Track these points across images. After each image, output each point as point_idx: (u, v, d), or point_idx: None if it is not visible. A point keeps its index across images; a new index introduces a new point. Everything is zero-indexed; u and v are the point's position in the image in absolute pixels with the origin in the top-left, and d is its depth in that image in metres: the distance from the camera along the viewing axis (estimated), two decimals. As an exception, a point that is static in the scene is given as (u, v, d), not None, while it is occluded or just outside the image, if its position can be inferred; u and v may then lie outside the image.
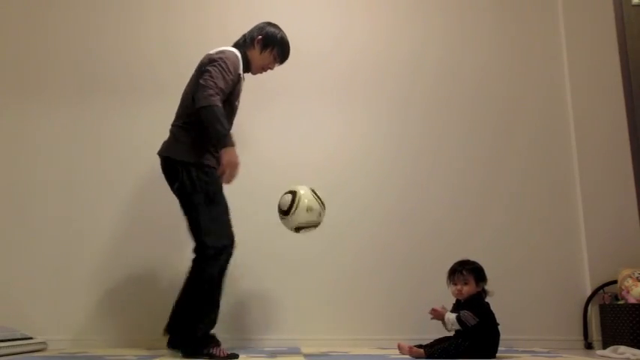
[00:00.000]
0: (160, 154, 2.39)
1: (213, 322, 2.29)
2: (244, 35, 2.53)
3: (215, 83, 2.22)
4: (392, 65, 3.24)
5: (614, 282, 2.85)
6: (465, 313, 2.19)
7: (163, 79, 3.14)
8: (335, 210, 3.04)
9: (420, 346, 2.24)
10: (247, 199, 2.95)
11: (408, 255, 3.01)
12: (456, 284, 2.27)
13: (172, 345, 2.33)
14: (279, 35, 2.51)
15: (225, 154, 2.19)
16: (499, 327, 2.25)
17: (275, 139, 3.14)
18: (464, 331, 2.19)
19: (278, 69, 3.16)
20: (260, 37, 2.48)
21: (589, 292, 2.93)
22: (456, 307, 2.28)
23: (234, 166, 2.21)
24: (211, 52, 2.38)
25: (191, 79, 2.43)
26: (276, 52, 2.51)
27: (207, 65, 2.29)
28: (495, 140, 3.17)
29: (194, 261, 2.30)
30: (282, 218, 2.27)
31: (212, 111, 2.18)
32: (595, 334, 2.88)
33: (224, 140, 2.20)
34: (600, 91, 3.15)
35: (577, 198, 3.07)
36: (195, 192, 2.28)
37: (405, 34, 3.29)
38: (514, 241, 3.03)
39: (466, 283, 2.25)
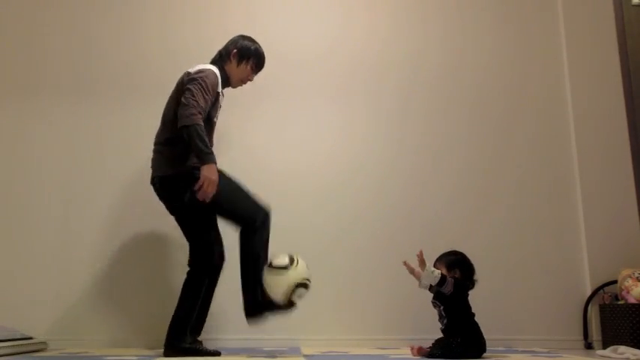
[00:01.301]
0: (156, 175, 2.40)
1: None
2: (219, 51, 2.58)
3: (197, 102, 2.28)
4: (391, 65, 3.24)
5: (614, 282, 2.85)
6: (449, 278, 2.23)
7: (163, 79, 3.11)
8: (335, 210, 3.05)
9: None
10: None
11: (408, 255, 2.98)
12: None
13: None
14: (253, 47, 2.56)
15: (205, 170, 2.24)
16: (480, 321, 2.26)
17: (274, 139, 3.14)
18: (440, 300, 2.25)
19: (278, 69, 3.18)
20: (235, 50, 2.53)
21: (589, 292, 2.93)
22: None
23: (211, 182, 2.25)
24: (190, 70, 2.42)
25: (171, 97, 2.47)
26: (252, 63, 2.57)
27: (188, 84, 2.34)
28: (495, 140, 3.17)
29: (244, 234, 2.37)
30: (278, 273, 2.21)
31: (195, 130, 2.24)
32: (595, 334, 2.88)
33: (206, 157, 2.25)
34: (600, 91, 3.15)
35: (577, 198, 3.07)
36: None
37: (404, 34, 3.29)
38: (514, 241, 3.03)
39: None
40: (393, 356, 2.31)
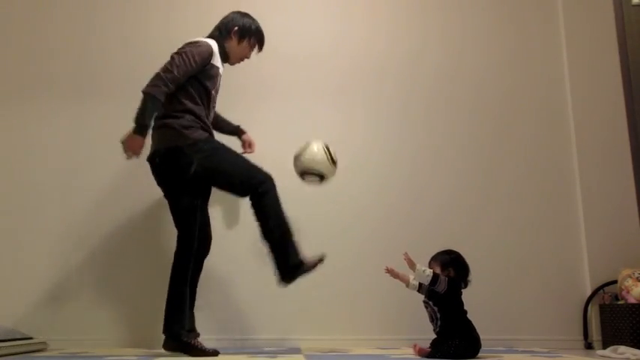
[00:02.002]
0: (158, 148, 2.39)
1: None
2: (218, 27, 2.57)
3: (171, 72, 2.30)
4: (391, 66, 3.24)
5: (614, 282, 2.85)
6: (442, 276, 2.23)
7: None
8: (335, 210, 3.05)
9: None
10: (246, 199, 2.95)
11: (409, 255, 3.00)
12: None
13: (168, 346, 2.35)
14: (254, 26, 2.57)
15: (129, 137, 2.30)
16: (473, 319, 2.27)
17: (274, 139, 3.13)
18: (433, 301, 2.25)
19: (279, 69, 3.18)
20: (236, 28, 2.53)
21: (589, 292, 2.93)
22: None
23: (130, 147, 2.31)
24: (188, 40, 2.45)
25: None
26: (253, 41, 2.58)
27: (174, 53, 2.37)
28: (495, 140, 3.17)
29: (253, 203, 2.40)
30: (293, 163, 2.46)
31: (148, 99, 2.28)
32: (595, 334, 2.88)
33: (137, 128, 2.29)
34: (600, 91, 3.15)
35: (577, 198, 3.07)
36: (213, 160, 2.37)
37: (404, 34, 3.29)
38: (514, 241, 3.03)
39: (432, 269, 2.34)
40: (393, 356, 2.31)
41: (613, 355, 2.38)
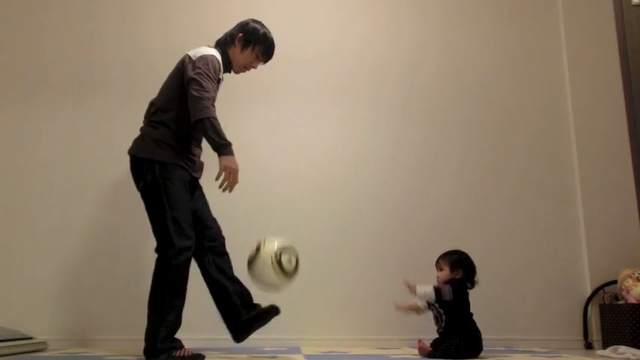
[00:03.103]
0: (128, 152, 2.34)
1: (174, 325, 2.21)
2: (226, 33, 2.48)
3: (208, 92, 2.20)
4: (392, 65, 3.24)
5: (614, 282, 2.85)
6: (445, 288, 2.24)
7: (164, 79, 3.14)
8: (335, 210, 3.05)
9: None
10: (246, 201, 2.95)
11: (408, 255, 3.01)
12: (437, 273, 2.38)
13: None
14: (261, 32, 2.44)
15: (224, 160, 2.17)
16: (478, 321, 2.27)
17: (274, 139, 3.14)
18: (439, 304, 2.24)
19: (279, 69, 3.17)
20: (241, 34, 2.43)
21: (589, 292, 2.93)
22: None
23: (232, 171, 2.17)
24: (191, 54, 2.33)
25: (170, 77, 2.38)
26: (258, 50, 2.45)
27: (193, 74, 2.24)
28: (495, 140, 3.17)
29: (158, 259, 2.24)
30: (253, 265, 2.18)
31: (210, 122, 2.17)
32: (595, 334, 2.88)
33: (223, 149, 2.18)
34: (600, 91, 3.15)
35: (577, 198, 3.07)
36: (157, 190, 2.24)
37: (404, 34, 3.29)
38: (514, 241, 3.03)
39: (441, 269, 2.35)
40: (393, 356, 2.31)
41: (613, 355, 2.39)
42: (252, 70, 2.54)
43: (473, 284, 2.32)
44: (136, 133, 3.22)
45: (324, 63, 3.23)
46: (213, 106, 2.23)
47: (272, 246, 2.16)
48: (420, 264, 2.96)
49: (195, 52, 2.33)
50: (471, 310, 2.30)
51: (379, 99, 3.21)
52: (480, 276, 2.34)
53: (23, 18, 3.26)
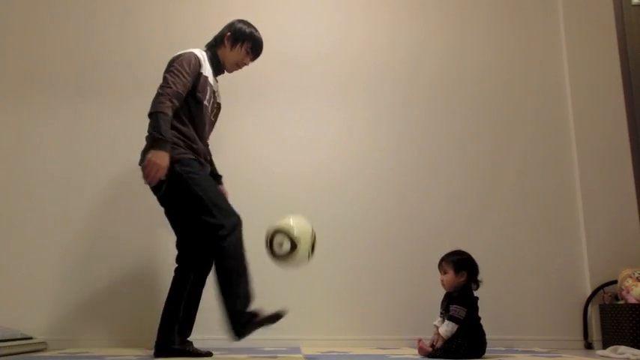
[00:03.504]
0: (141, 163, 2.32)
1: (248, 298, 2.23)
2: (215, 36, 2.56)
3: (170, 88, 2.26)
4: (391, 65, 3.24)
5: (614, 282, 2.85)
6: (455, 309, 2.21)
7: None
8: (335, 211, 3.05)
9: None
10: (247, 200, 2.94)
11: (408, 255, 3.01)
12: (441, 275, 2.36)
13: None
14: (248, 30, 2.52)
15: (151, 154, 2.17)
16: (482, 321, 2.26)
17: (274, 140, 3.14)
18: (462, 324, 2.19)
19: (279, 70, 3.18)
20: (229, 33, 2.51)
21: (589, 292, 2.93)
22: (444, 300, 2.33)
23: (154, 165, 2.17)
24: (173, 56, 2.42)
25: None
26: (247, 46, 2.51)
27: (165, 72, 2.34)
28: (495, 140, 3.17)
29: (213, 246, 2.26)
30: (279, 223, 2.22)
31: (156, 117, 2.22)
32: (595, 334, 2.88)
33: (157, 143, 2.18)
34: (600, 91, 3.15)
35: (577, 198, 3.07)
36: (185, 185, 2.27)
37: (404, 34, 3.29)
38: (514, 241, 3.03)
39: (445, 273, 2.33)
40: (393, 356, 2.31)
41: (613, 355, 2.38)
42: (244, 67, 2.59)
43: (477, 284, 2.32)
44: (136, 132, 3.23)
45: (323, 64, 3.23)
46: (171, 102, 2.25)
47: (274, 225, 2.20)
48: (420, 264, 2.97)
49: (176, 53, 2.42)
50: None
51: (379, 100, 3.21)
52: (480, 276, 2.34)
53: (23, 16, 3.26)
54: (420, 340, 2.29)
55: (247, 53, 2.53)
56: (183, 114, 2.35)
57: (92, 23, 3.25)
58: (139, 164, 2.32)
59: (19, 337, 2.63)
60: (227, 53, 2.51)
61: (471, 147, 3.16)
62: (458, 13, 3.31)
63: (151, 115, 2.24)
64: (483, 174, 3.12)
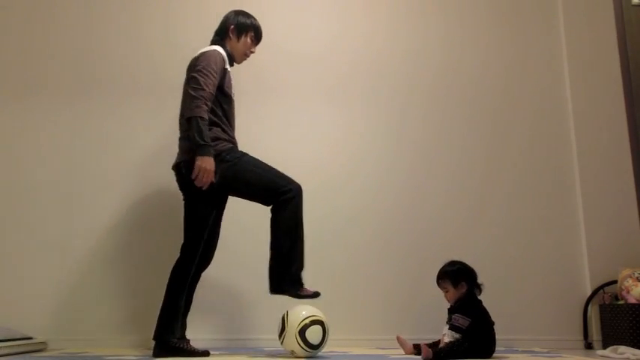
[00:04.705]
0: (182, 159, 2.37)
1: (303, 265, 2.39)
2: (216, 32, 2.60)
3: (203, 90, 2.32)
4: (391, 65, 3.24)
5: (614, 282, 2.85)
6: (456, 317, 2.19)
7: (165, 78, 3.15)
8: (334, 210, 3.05)
9: (430, 345, 2.24)
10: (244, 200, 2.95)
11: (407, 255, 3.01)
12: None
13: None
14: (249, 21, 2.59)
15: (199, 160, 2.27)
16: (494, 326, 2.23)
17: (273, 139, 3.14)
18: (464, 333, 2.18)
19: (278, 68, 3.18)
20: (233, 26, 2.55)
21: (589, 292, 2.93)
22: (449, 313, 2.29)
23: (206, 171, 2.27)
24: (195, 55, 2.46)
25: (184, 86, 2.46)
26: (250, 35, 2.58)
27: (192, 72, 2.38)
28: (495, 140, 3.17)
29: (273, 210, 2.39)
30: (284, 343, 2.24)
31: (195, 122, 2.29)
32: (595, 334, 2.88)
33: (201, 149, 2.28)
34: (600, 91, 3.15)
35: (577, 198, 3.07)
36: (239, 168, 2.38)
37: (403, 34, 3.29)
38: (514, 241, 3.03)
39: (447, 291, 2.30)
40: (393, 356, 2.31)
41: (613, 355, 2.38)
42: (251, 55, 2.65)
43: (480, 288, 2.29)
44: (135, 132, 3.23)
45: (322, 63, 3.23)
46: (206, 105, 2.32)
47: (294, 319, 2.22)
48: (419, 264, 2.97)
49: (198, 53, 2.45)
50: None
51: (378, 98, 3.21)
52: (480, 276, 2.33)
53: (23, 16, 3.26)
54: (423, 345, 2.23)
55: (252, 41, 2.60)
56: (217, 110, 2.42)
57: (93, 23, 3.25)
58: (173, 168, 2.43)
59: (19, 337, 2.63)
60: (235, 45, 2.57)
61: (471, 147, 3.16)
62: (457, 13, 3.31)
63: (189, 119, 2.30)
64: (483, 174, 3.12)
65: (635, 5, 3.29)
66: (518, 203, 3.08)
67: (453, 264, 2.34)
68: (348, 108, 3.19)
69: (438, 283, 2.33)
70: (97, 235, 3.00)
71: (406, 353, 2.37)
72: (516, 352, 2.55)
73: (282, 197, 2.35)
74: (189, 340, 2.43)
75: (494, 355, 2.24)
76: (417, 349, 2.31)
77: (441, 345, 2.23)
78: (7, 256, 2.96)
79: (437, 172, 3.13)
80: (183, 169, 2.38)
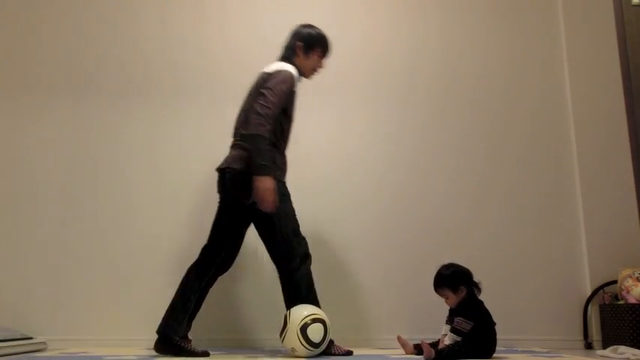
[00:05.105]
0: (230, 166, 2.38)
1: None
2: (285, 47, 2.56)
3: (270, 110, 2.30)
4: (390, 64, 3.24)
5: (614, 282, 2.85)
6: (458, 321, 2.18)
7: (160, 79, 3.15)
8: (333, 209, 3.05)
9: (431, 345, 2.22)
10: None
11: (407, 254, 3.01)
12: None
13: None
14: (315, 33, 2.55)
15: (259, 181, 2.26)
16: (495, 327, 2.23)
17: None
18: (466, 336, 2.17)
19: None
20: (300, 42, 2.52)
21: (589, 292, 2.93)
22: (450, 314, 2.29)
23: (267, 191, 2.26)
24: (268, 70, 2.42)
25: (248, 96, 2.47)
26: (319, 50, 2.56)
27: (264, 87, 2.35)
28: (495, 140, 3.17)
29: (281, 271, 2.37)
30: (285, 339, 2.24)
31: (259, 140, 2.28)
32: (595, 334, 2.88)
33: (262, 169, 2.27)
34: (600, 91, 3.15)
35: (577, 198, 3.07)
36: (274, 210, 2.33)
37: (403, 33, 3.29)
38: (514, 241, 3.03)
39: (447, 297, 2.29)
40: (393, 356, 2.31)
41: (613, 355, 2.38)
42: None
43: (479, 288, 2.28)
44: (135, 131, 3.23)
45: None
46: (269, 124, 2.31)
47: (295, 318, 2.22)
48: (419, 263, 2.97)
49: (271, 67, 2.43)
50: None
51: (377, 97, 3.21)
52: (479, 276, 2.33)
53: (19, 16, 3.26)
54: (422, 342, 2.23)
55: (320, 57, 2.57)
56: (277, 130, 2.41)
57: (88, 23, 3.25)
58: (218, 170, 2.41)
59: (19, 337, 2.63)
60: (303, 62, 2.54)
61: (470, 146, 3.16)
62: (457, 12, 3.31)
63: (253, 136, 2.28)
64: (482, 174, 3.12)
65: (635, 5, 3.29)
66: (518, 203, 3.08)
67: (446, 268, 2.31)
68: (347, 107, 3.19)
69: (437, 292, 2.31)
70: (96, 235, 3.00)
71: (407, 353, 2.37)
72: (516, 352, 2.55)
73: (292, 263, 2.33)
74: (190, 340, 2.43)
75: (495, 355, 2.24)
76: (417, 349, 2.31)
77: (440, 345, 2.23)
78: (7, 256, 2.96)
79: (436, 171, 3.13)
80: (228, 174, 2.38)
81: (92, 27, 3.25)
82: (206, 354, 2.29)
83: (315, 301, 2.35)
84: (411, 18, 3.31)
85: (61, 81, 3.18)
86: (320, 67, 2.60)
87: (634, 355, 2.31)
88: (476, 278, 2.31)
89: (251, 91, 2.48)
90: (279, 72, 2.39)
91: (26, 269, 2.95)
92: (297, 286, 2.33)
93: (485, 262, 2.88)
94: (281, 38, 3.19)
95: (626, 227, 2.99)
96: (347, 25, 3.29)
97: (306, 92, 3.19)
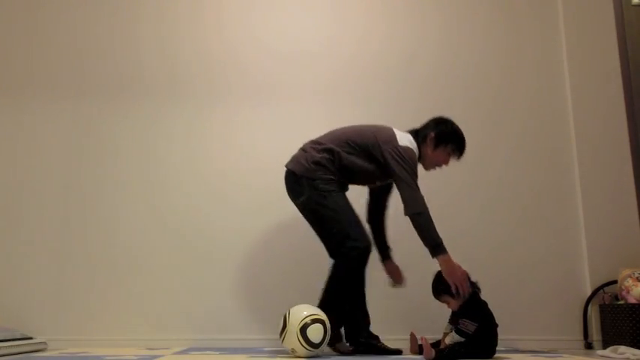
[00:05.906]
0: (289, 166, 2.48)
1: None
2: (420, 128, 2.52)
3: (417, 185, 2.33)
4: (386, 64, 3.24)
5: (614, 282, 2.85)
6: (464, 323, 2.17)
7: (159, 80, 3.15)
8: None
9: (433, 345, 2.21)
10: (244, 200, 2.96)
11: (407, 254, 3.00)
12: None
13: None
14: (451, 130, 2.50)
15: (443, 265, 2.24)
16: (497, 328, 2.23)
17: (269, 139, 3.13)
18: (469, 337, 2.16)
19: (273, 69, 3.18)
20: (433, 134, 2.48)
21: (589, 292, 2.93)
22: (453, 316, 2.29)
23: (455, 275, 2.22)
24: (395, 142, 2.39)
25: (353, 133, 2.48)
26: (450, 147, 2.50)
27: (398, 166, 2.34)
28: (495, 140, 3.16)
29: (335, 263, 2.40)
30: (285, 339, 2.23)
31: (426, 219, 2.31)
32: (595, 334, 2.88)
33: (438, 249, 2.26)
34: (600, 91, 3.15)
35: (577, 198, 3.07)
36: (321, 201, 2.38)
37: (399, 34, 3.28)
38: (514, 241, 3.03)
39: (448, 303, 2.28)
40: (393, 356, 2.31)
41: (613, 355, 2.38)
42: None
43: (479, 288, 2.27)
44: (135, 131, 3.23)
45: (317, 63, 3.23)
46: (419, 192, 2.34)
47: (295, 319, 2.20)
48: (419, 263, 2.96)
49: (401, 139, 2.40)
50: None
51: (372, 98, 3.20)
52: (479, 276, 2.33)
53: (20, 17, 3.26)
54: (422, 338, 2.22)
55: (449, 154, 2.51)
56: (354, 155, 2.45)
57: (89, 24, 3.25)
58: (287, 166, 2.49)
59: (19, 337, 2.63)
60: (429, 153, 2.49)
61: (469, 146, 3.15)
62: (455, 11, 3.31)
63: (419, 214, 2.32)
64: (482, 174, 3.12)
65: (635, 5, 3.29)
66: (518, 203, 3.08)
67: (438, 281, 2.30)
68: (342, 109, 3.17)
69: (437, 299, 2.30)
70: (96, 235, 2.99)
71: (410, 351, 2.35)
72: (516, 352, 2.55)
73: (351, 253, 2.33)
74: (378, 337, 2.51)
75: (495, 355, 2.24)
76: (420, 348, 2.30)
77: (441, 345, 2.22)
78: (7, 256, 2.96)
79: (434, 172, 3.11)
80: (292, 176, 2.43)
81: (93, 29, 3.25)
82: (398, 352, 2.37)
83: (336, 300, 2.36)
84: (408, 18, 3.30)
85: (61, 81, 3.18)
86: (445, 163, 2.54)
87: (634, 355, 2.31)
88: (474, 278, 2.30)
89: (363, 129, 2.48)
90: (409, 148, 2.39)
91: (26, 269, 2.94)
92: (331, 277, 2.38)
93: (485, 263, 2.87)
94: (278, 38, 3.21)
95: (626, 227, 2.99)
96: (343, 26, 3.28)
97: (303, 92, 3.20)
